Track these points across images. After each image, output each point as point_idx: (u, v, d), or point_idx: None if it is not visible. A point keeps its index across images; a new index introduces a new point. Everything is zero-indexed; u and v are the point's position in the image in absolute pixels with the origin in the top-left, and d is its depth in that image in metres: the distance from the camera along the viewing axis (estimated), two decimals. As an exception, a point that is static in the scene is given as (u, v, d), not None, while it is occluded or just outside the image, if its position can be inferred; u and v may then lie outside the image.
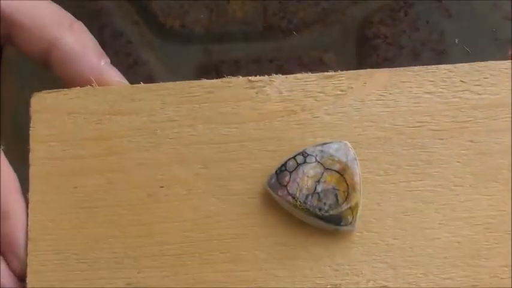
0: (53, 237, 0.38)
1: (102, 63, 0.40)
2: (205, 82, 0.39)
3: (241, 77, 0.40)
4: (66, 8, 0.41)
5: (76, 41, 0.40)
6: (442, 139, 0.38)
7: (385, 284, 0.36)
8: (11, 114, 0.57)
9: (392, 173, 0.38)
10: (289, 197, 0.37)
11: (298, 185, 0.37)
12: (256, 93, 0.39)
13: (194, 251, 0.37)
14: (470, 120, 0.38)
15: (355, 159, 0.37)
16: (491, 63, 0.39)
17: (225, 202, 0.38)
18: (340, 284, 0.36)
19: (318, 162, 0.37)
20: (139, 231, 0.38)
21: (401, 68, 0.39)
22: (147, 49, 0.60)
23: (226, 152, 0.39)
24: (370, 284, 0.36)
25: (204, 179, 0.38)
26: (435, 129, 0.38)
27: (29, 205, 0.39)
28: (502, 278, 0.36)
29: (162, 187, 0.38)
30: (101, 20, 0.59)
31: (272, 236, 0.37)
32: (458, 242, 0.36)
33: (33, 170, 0.39)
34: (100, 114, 0.39)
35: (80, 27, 0.40)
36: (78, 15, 0.41)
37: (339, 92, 0.39)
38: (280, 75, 0.40)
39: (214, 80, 0.40)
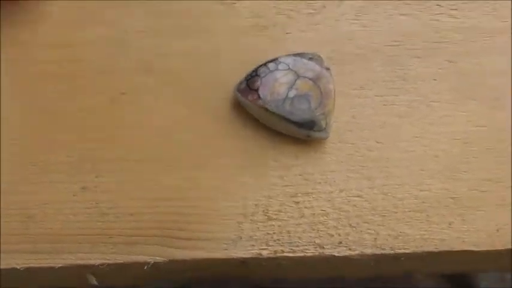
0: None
1: None
2: None
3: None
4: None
5: None
6: (419, 57, 0.37)
7: (359, 193, 0.34)
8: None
9: (368, 88, 0.36)
10: (260, 101, 0.34)
11: (270, 90, 0.34)
12: (226, 9, 0.38)
13: (157, 157, 0.35)
14: (447, 41, 0.37)
15: (329, 69, 0.35)
16: None
17: (192, 109, 0.36)
18: (311, 193, 0.34)
19: (291, 69, 0.35)
20: (99, 135, 0.35)
21: None
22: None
23: (195, 61, 0.37)
24: (343, 194, 0.34)
25: (171, 86, 0.36)
26: (412, 48, 0.37)
27: None
28: (482, 191, 0.34)
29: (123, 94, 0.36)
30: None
31: (240, 144, 0.35)
32: (436, 156, 0.34)
33: None
34: None
35: None
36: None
37: (311, 11, 0.38)
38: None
39: None
